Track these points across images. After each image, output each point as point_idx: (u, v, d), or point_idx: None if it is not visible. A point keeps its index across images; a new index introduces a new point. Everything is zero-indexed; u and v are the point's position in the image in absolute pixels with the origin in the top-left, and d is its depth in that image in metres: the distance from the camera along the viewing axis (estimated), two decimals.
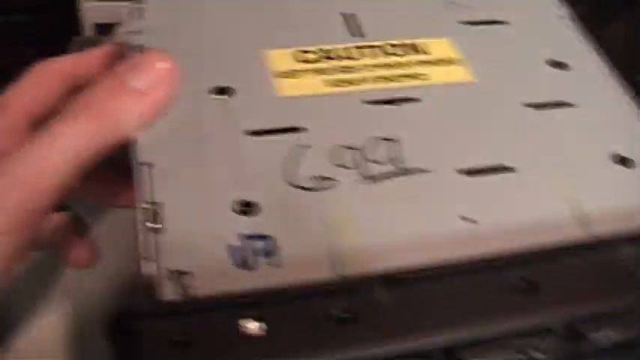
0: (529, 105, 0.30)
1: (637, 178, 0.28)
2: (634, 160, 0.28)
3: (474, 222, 0.25)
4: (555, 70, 0.32)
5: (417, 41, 0.32)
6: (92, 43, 0.53)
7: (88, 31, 0.55)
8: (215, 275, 0.22)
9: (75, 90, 0.28)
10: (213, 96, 0.28)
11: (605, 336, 0.24)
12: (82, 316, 0.34)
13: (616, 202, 0.27)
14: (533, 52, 0.32)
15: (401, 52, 0.31)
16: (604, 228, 0.26)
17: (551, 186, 0.27)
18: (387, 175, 0.26)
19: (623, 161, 0.28)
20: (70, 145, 0.23)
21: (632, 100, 0.31)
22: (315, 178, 0.25)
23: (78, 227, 0.32)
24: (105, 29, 0.53)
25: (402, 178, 0.26)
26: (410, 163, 0.26)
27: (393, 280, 0.22)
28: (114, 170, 0.29)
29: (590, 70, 0.32)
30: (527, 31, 0.34)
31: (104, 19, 0.54)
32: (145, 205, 0.24)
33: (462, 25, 0.33)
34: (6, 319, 0.33)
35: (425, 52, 0.31)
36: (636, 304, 0.24)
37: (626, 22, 0.69)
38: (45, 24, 0.71)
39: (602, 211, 0.26)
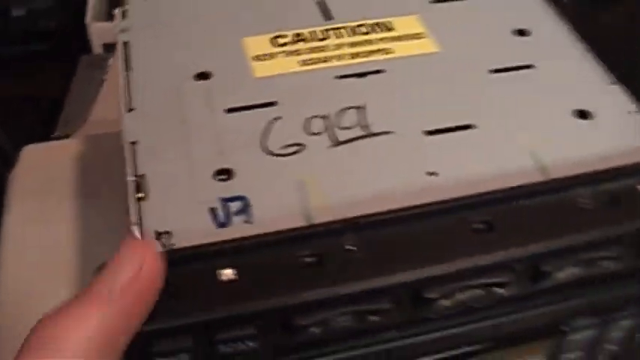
0: (492, 70, 0.31)
1: (595, 129, 0.29)
2: (592, 112, 0.30)
3: (437, 175, 0.27)
4: (519, 37, 0.34)
5: (385, 20, 0.34)
6: (99, 61, 0.57)
7: (96, 48, 0.59)
8: (194, 233, 0.24)
9: None
10: (195, 81, 0.30)
11: (566, 273, 0.26)
12: None
13: (573, 152, 0.28)
14: (497, 22, 0.34)
15: (368, 31, 0.33)
16: (561, 174, 0.27)
17: (512, 139, 0.29)
18: (354, 139, 0.28)
19: (583, 114, 0.30)
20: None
21: (594, 58, 0.33)
22: (286, 145, 0.28)
23: None
24: (113, 48, 0.56)
25: (368, 140, 0.28)
26: (376, 127, 0.29)
27: (357, 224, 0.24)
28: None
29: (552, 35, 0.34)
30: (493, 3, 0.35)
31: (112, 39, 0.58)
32: (130, 178, 0.26)
33: (431, 4, 0.35)
34: None
35: (392, 30, 0.33)
36: (593, 241, 0.26)
37: (626, 6, 0.70)
38: (60, 50, 0.75)
39: (560, 160, 0.28)
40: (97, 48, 0.59)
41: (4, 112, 0.68)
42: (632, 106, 0.30)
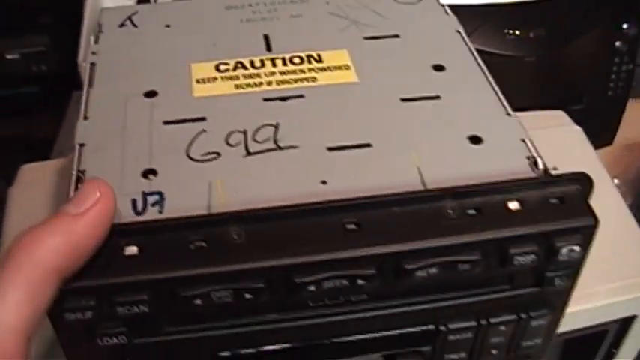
0: (402, 99, 0.36)
1: (482, 153, 0.34)
2: (483, 138, 0.34)
3: (326, 184, 0.32)
4: (435, 72, 0.39)
5: (317, 52, 0.39)
6: None
7: None
8: (116, 217, 0.30)
9: None
10: (143, 97, 0.36)
11: (426, 272, 0.30)
12: None
13: (456, 171, 0.33)
14: (418, 57, 0.39)
15: (300, 61, 0.39)
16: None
17: (402, 157, 0.33)
18: (262, 151, 0.33)
19: (475, 140, 0.34)
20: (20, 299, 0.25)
21: (497, 92, 0.37)
22: (205, 153, 0.33)
23: None
24: None
25: (275, 153, 0.33)
26: (285, 142, 0.34)
27: (242, 217, 0.29)
28: None
29: (464, 71, 0.38)
30: (418, 42, 0.40)
31: None
32: (74, 172, 0.32)
33: (363, 40, 0.41)
34: None
35: (321, 61, 0.39)
36: (452, 245, 0.30)
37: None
38: (50, 93, 0.79)
39: (442, 177, 0.32)
40: None
41: None
42: (522, 135, 0.34)
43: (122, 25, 0.41)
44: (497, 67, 0.40)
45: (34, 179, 0.46)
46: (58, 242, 0.26)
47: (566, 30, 0.81)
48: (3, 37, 0.80)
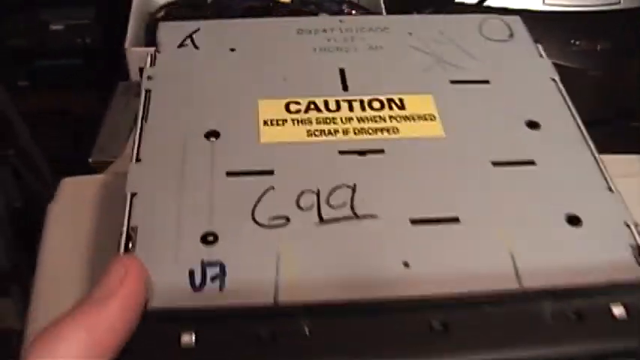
0: (493, 162, 0.32)
1: (580, 237, 0.30)
2: (582, 218, 0.30)
3: (409, 267, 0.28)
4: (528, 129, 0.34)
5: (399, 97, 0.35)
6: (136, 87, 0.59)
7: (134, 74, 0.62)
8: (169, 292, 0.26)
9: None
10: (203, 139, 0.32)
11: None
12: None
13: (553, 260, 0.29)
14: (511, 110, 0.35)
15: (380, 107, 0.34)
16: (535, 282, 0.28)
17: (493, 238, 0.29)
18: (338, 219, 0.29)
19: (572, 220, 0.30)
20: None
21: (598, 162, 0.33)
22: (273, 217, 0.29)
23: None
24: None
25: (352, 222, 0.29)
26: (362, 209, 0.30)
27: (316, 310, 0.25)
28: None
29: (561, 130, 0.34)
30: (510, 91, 0.36)
31: None
32: (124, 229, 0.28)
33: (450, 84, 0.36)
34: None
35: (403, 108, 0.34)
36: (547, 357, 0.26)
37: None
38: (93, 68, 0.78)
39: (537, 267, 0.28)
40: (134, 72, 0.61)
41: (36, 123, 0.71)
42: (625, 217, 0.30)
43: (182, 44, 0.37)
44: None
45: (76, 196, 0.42)
46: (80, 339, 0.23)
47: (634, 43, 0.76)
48: (48, 7, 0.80)
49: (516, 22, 0.41)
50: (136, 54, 0.60)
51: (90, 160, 0.58)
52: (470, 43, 0.39)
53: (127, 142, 0.49)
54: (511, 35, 0.40)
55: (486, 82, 0.36)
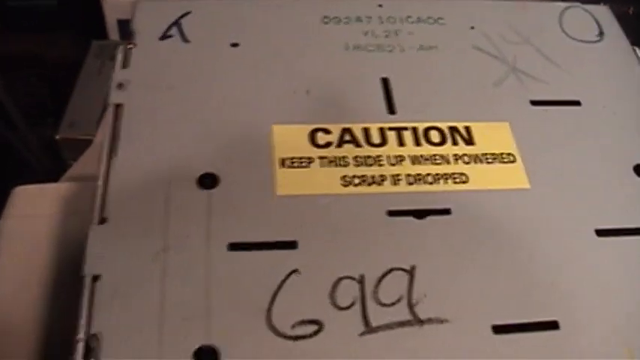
0: (597, 232, 0.23)
1: None
2: None
3: None
4: (637, 178, 0.25)
5: (464, 124, 0.25)
6: (111, 50, 0.50)
7: (111, 29, 0.52)
8: None
9: None
10: (196, 188, 0.23)
11: None
12: None
13: None
14: (611, 150, 0.26)
15: (441, 139, 0.25)
16: None
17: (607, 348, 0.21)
18: (391, 325, 0.20)
19: None
20: None
21: None
22: (300, 322, 0.20)
23: None
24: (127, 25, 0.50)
25: (412, 330, 0.20)
26: (426, 310, 0.21)
27: None
28: None
29: None
30: (609, 117, 0.27)
31: (127, 15, 0.52)
32: (80, 336, 0.19)
33: (531, 105, 0.27)
34: None
35: (472, 141, 0.25)
36: None
37: None
38: (69, 11, 0.69)
39: None
40: (111, 26, 0.51)
41: (7, 67, 0.63)
42: None
43: (165, 35, 0.27)
44: None
45: (28, 210, 0.33)
46: None
47: None
48: None
49: (605, 14, 0.31)
50: (112, 3, 0.49)
51: (57, 136, 0.48)
52: (550, 43, 0.29)
53: (99, 126, 0.40)
54: (601, 34, 0.30)
55: (577, 103, 0.27)
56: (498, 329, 0.20)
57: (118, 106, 0.24)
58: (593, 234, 0.23)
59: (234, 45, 0.27)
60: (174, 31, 0.27)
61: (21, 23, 0.73)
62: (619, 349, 0.21)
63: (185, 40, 0.27)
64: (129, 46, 0.26)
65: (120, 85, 0.25)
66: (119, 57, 0.26)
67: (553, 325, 0.21)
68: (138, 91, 0.25)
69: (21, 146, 0.61)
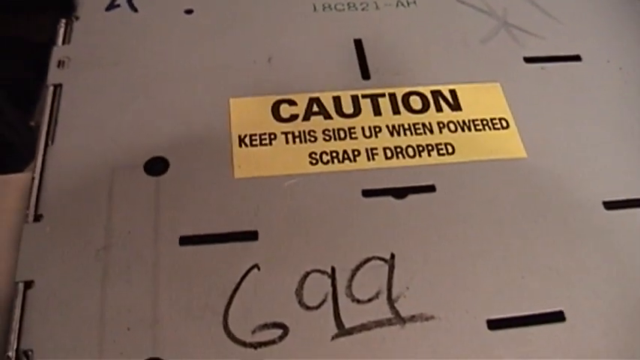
0: (605, 204, 0.20)
1: None
2: None
3: None
4: None
5: (449, 87, 0.22)
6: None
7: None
8: None
9: None
10: (143, 173, 0.20)
11: None
12: None
13: None
14: (616, 108, 0.23)
15: (421, 106, 0.22)
16: None
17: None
18: (368, 325, 0.17)
19: None
20: None
21: None
22: (261, 326, 0.17)
23: None
24: None
25: (392, 330, 0.17)
26: (408, 305, 0.18)
27: None
28: None
29: None
30: (611, 72, 0.24)
31: None
32: (9, 353, 0.17)
33: (525, 63, 0.24)
34: None
35: (457, 106, 0.22)
36: None
37: None
38: None
39: None
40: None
41: None
42: None
43: (112, 5, 0.24)
44: None
45: None
46: None
47: None
48: None
49: None
50: None
51: (32, 122, 0.45)
52: None
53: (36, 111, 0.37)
54: None
55: (577, 58, 0.24)
56: (494, 324, 0.18)
57: (57, 87, 0.22)
58: (602, 207, 0.20)
59: (188, 12, 0.24)
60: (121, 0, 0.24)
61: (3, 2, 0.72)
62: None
63: (133, 9, 0.24)
64: (72, 19, 0.23)
65: (60, 63, 0.22)
66: (60, 32, 0.23)
67: (558, 317, 0.18)
68: (79, 69, 0.22)
69: (6, 131, 0.58)
